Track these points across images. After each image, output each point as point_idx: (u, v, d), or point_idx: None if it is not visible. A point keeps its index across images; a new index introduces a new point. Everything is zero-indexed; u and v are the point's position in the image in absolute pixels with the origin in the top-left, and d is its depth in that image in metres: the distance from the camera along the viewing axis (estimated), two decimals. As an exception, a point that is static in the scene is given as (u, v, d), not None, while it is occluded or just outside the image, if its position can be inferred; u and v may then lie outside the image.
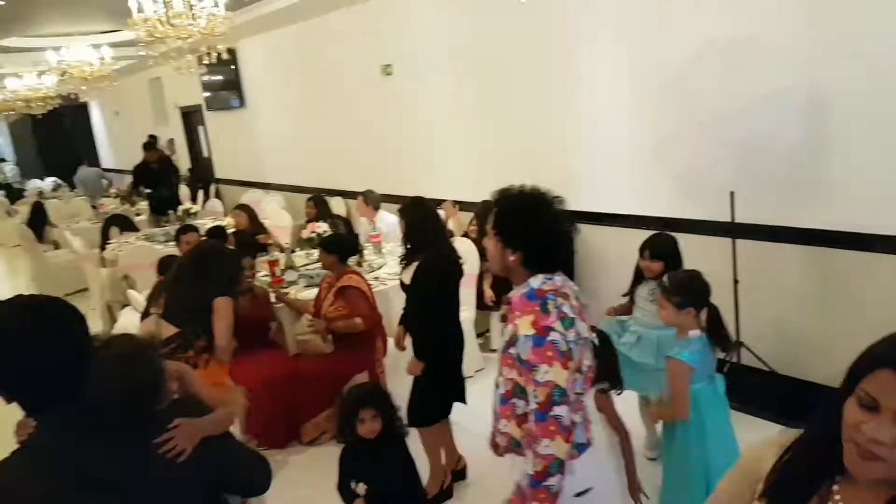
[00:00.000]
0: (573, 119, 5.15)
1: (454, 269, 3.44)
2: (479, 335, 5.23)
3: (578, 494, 2.03)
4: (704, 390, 2.65)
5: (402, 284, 3.58)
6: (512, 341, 1.96)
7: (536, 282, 1.99)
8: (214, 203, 9.85)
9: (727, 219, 4.03)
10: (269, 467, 1.81)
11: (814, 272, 3.91)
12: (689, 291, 2.69)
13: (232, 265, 3.19)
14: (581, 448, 2.05)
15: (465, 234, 5.47)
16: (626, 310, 3.63)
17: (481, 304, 5.13)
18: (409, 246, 3.49)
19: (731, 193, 3.98)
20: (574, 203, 5.17)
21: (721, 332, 2.80)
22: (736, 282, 4.00)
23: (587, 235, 5.18)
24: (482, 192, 5.91)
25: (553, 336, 1.88)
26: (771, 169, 3.95)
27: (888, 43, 3.40)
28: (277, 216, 7.87)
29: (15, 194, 14.13)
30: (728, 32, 4.04)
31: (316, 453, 4.13)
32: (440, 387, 3.40)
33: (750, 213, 4.02)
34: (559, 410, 1.87)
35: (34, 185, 14.52)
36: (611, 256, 5.06)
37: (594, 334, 2.15)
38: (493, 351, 5.30)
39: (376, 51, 7.05)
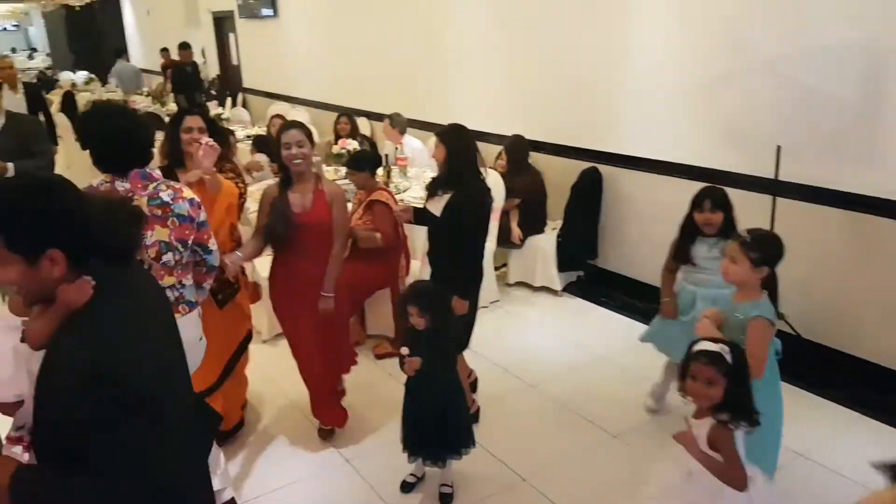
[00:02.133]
0: (616, 52, 4.88)
1: (490, 203, 3.33)
2: (496, 268, 5.18)
3: None
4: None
5: (425, 212, 3.38)
6: None
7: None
8: (241, 112, 9.77)
9: (770, 175, 3.88)
10: None
11: (852, 239, 3.77)
12: (769, 248, 2.51)
13: None
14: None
15: (492, 167, 5.34)
16: (673, 309, 3.38)
17: (502, 240, 5.05)
18: (446, 174, 3.29)
19: (778, 148, 3.81)
20: (608, 143, 5.14)
21: (776, 299, 2.64)
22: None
23: (618, 179, 5.05)
24: (511, 125, 5.86)
25: None
26: (821, 127, 3.74)
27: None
28: (304, 132, 7.74)
29: (48, 84, 14.06)
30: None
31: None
32: (472, 315, 3.36)
33: (794, 170, 3.86)
34: None
35: (66, 76, 14.40)
36: (640, 203, 4.93)
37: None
38: (510, 285, 5.27)
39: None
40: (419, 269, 4.26)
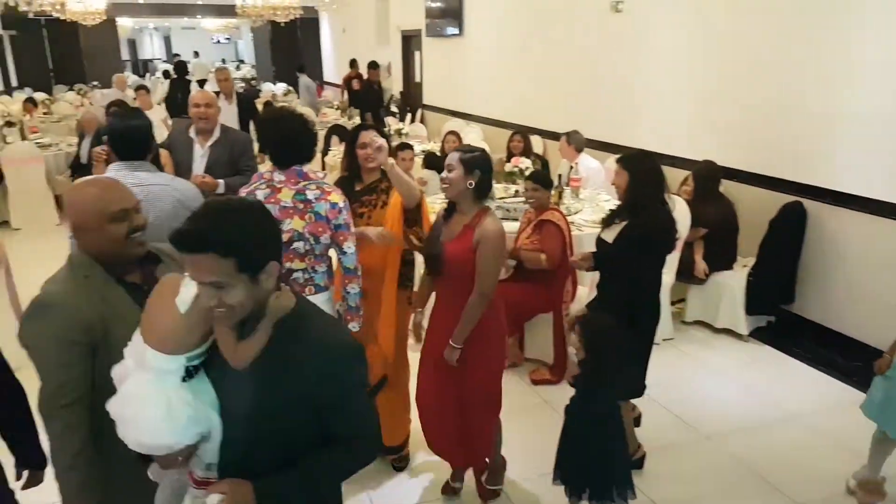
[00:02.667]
0: (835, 70, 4.30)
1: (671, 237, 3.03)
2: (673, 303, 4.77)
3: None
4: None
5: (600, 242, 3.16)
6: None
7: None
8: (419, 127, 10.02)
9: None
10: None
11: None
12: None
13: None
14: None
15: (676, 194, 4.95)
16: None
17: (684, 273, 4.65)
18: (627, 201, 3.04)
19: None
20: (816, 176, 4.55)
21: None
22: None
23: (826, 216, 4.47)
24: (701, 150, 5.42)
25: None
26: None
27: None
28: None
29: (252, 94, 15.41)
30: None
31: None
32: (643, 358, 3.09)
33: None
34: None
35: (267, 87, 15.70)
36: (851, 246, 4.33)
37: None
38: (687, 323, 4.84)
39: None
40: (586, 295, 4.02)
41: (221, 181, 3.88)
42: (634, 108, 6.28)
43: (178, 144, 4.08)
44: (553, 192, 4.32)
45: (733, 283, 4.62)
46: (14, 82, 15.41)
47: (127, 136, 2.71)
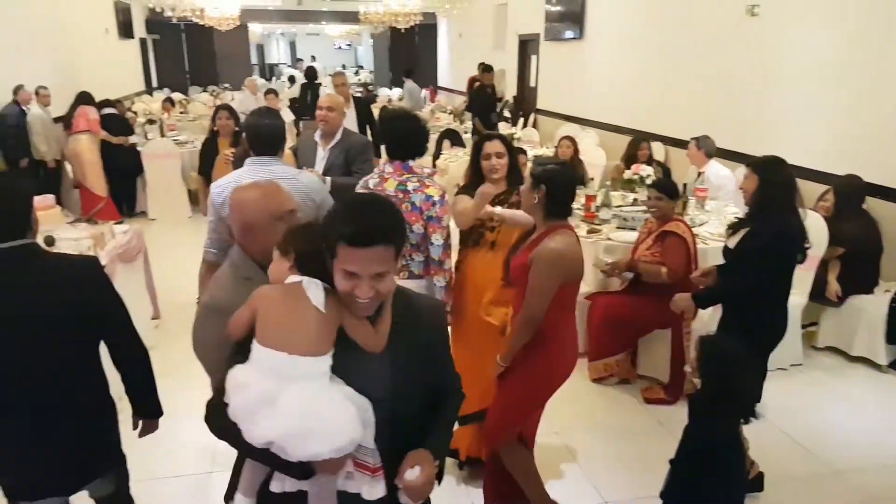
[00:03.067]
0: None
1: (798, 247, 2.88)
2: (804, 326, 4.44)
3: None
4: None
5: (726, 250, 3.09)
6: None
7: None
8: (532, 132, 9.92)
9: None
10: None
11: None
12: None
13: None
14: None
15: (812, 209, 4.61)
16: None
17: (816, 294, 4.32)
18: (754, 207, 2.93)
19: None
20: None
21: None
22: None
23: None
24: (843, 164, 5.02)
25: None
26: None
27: None
28: (592, 153, 7.60)
29: (369, 99, 15.89)
30: None
31: (599, 390, 4.06)
32: (760, 374, 2.91)
33: None
34: None
35: (384, 92, 16.09)
36: None
37: None
38: (818, 349, 4.49)
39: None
40: (709, 314, 3.81)
41: (328, 178, 3.85)
42: (769, 116, 5.91)
43: (305, 146, 4.23)
44: (677, 202, 4.14)
45: (873, 308, 4.24)
46: (154, 83, 16.62)
47: (262, 134, 2.89)
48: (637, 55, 8.25)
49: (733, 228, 3.06)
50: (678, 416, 3.68)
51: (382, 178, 2.89)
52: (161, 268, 5.13)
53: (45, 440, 1.95)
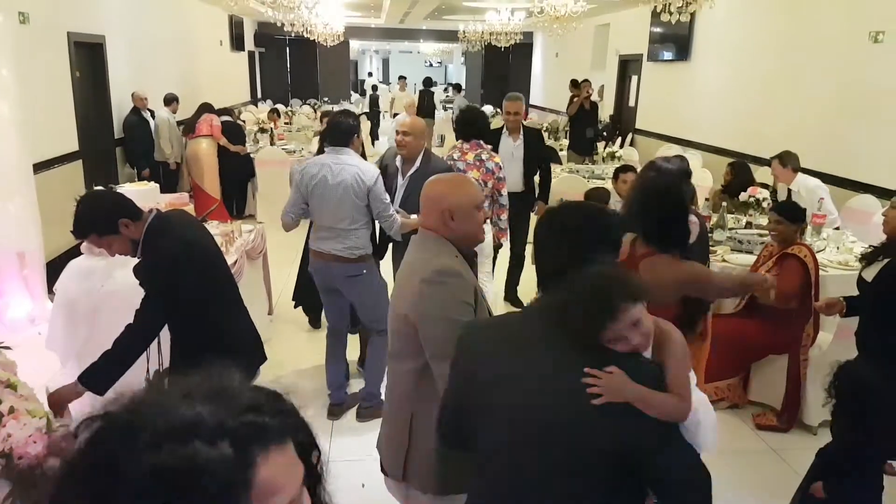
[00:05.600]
0: None
1: None
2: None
3: None
4: None
5: (861, 282, 3.01)
6: None
7: None
8: (630, 151, 9.82)
9: None
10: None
11: None
12: None
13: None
14: None
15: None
16: None
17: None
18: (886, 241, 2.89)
19: None
20: None
21: None
22: None
23: None
24: None
25: None
26: None
27: None
28: (698, 174, 7.44)
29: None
30: None
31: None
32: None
33: None
34: None
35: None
36: None
37: None
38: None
39: (866, 14, 5.99)
40: (827, 342, 3.68)
41: (414, 216, 3.43)
42: (885, 145, 5.67)
43: (387, 171, 3.90)
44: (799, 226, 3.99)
45: None
46: (259, 94, 17.44)
47: (336, 128, 3.56)
48: (746, 78, 8.09)
49: (869, 259, 2.96)
50: (792, 443, 3.59)
51: (462, 151, 4.31)
52: (270, 266, 5.39)
53: None
